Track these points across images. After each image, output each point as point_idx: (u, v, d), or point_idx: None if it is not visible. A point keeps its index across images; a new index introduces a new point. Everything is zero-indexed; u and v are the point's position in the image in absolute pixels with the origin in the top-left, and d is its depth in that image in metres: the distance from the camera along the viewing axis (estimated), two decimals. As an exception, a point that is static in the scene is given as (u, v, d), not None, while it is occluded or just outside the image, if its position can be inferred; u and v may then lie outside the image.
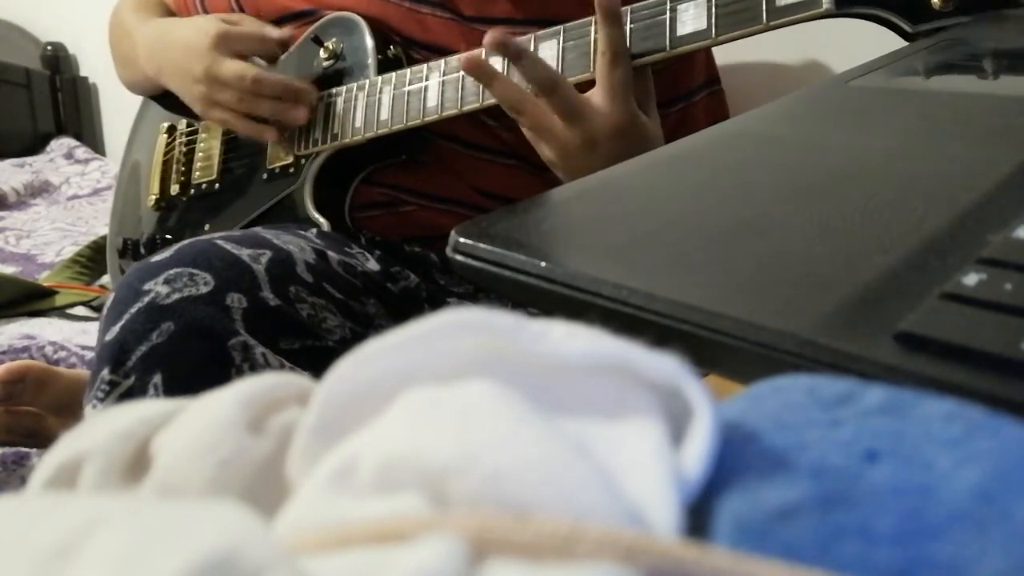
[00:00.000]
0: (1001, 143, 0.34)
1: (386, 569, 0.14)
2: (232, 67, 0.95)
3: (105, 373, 0.69)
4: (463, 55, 0.78)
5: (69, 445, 0.20)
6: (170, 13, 1.16)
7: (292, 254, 0.79)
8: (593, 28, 0.79)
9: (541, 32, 0.82)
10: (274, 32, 0.99)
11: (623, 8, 0.77)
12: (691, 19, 0.74)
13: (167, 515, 0.14)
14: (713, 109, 0.98)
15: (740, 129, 0.39)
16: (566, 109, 0.74)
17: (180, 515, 0.14)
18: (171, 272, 0.71)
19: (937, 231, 0.25)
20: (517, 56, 0.73)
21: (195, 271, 0.72)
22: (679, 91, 0.96)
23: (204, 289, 0.71)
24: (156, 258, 0.74)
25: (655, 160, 0.36)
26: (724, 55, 0.99)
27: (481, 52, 0.77)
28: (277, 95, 0.96)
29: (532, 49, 0.81)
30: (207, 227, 1.06)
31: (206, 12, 1.12)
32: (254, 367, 0.70)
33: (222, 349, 0.69)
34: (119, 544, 0.13)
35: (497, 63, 0.81)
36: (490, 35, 0.73)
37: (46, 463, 0.20)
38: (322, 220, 0.96)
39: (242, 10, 1.08)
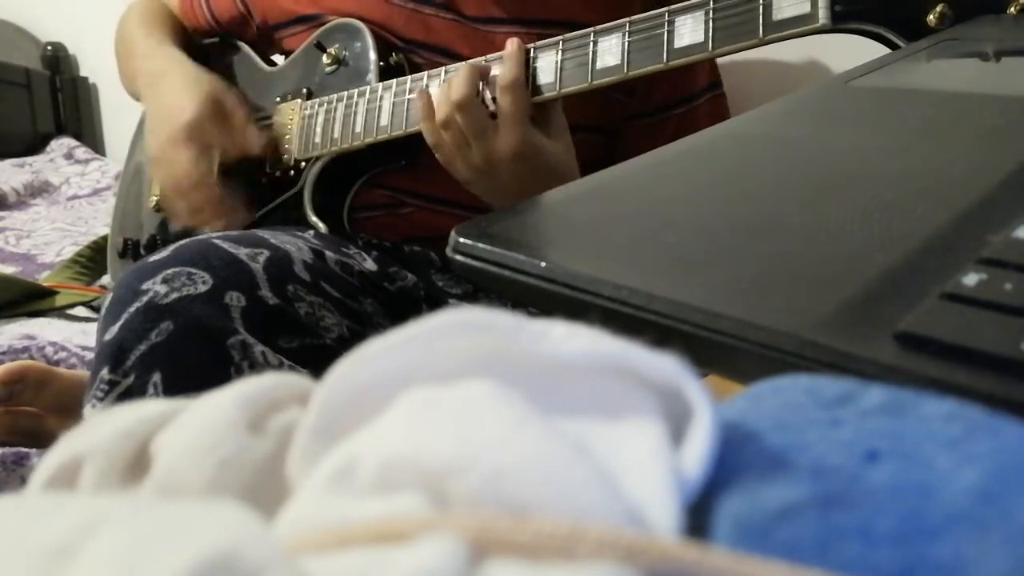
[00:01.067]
0: (1001, 143, 0.34)
1: (386, 569, 0.14)
2: (188, 157, 0.97)
3: (104, 372, 0.69)
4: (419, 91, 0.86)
5: (69, 445, 0.20)
6: (178, 21, 1.16)
7: (289, 253, 0.79)
8: (591, 39, 0.80)
9: (540, 43, 0.83)
10: (255, 144, 1.01)
11: (622, 20, 0.78)
12: (688, 32, 0.75)
13: (167, 515, 0.14)
14: (715, 113, 0.98)
15: (740, 129, 0.39)
16: (474, 127, 0.80)
17: (180, 515, 0.14)
18: (169, 271, 0.71)
19: (937, 231, 0.25)
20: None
21: (193, 270, 0.72)
22: (681, 93, 0.96)
23: (203, 288, 0.71)
24: (154, 257, 0.74)
25: (655, 160, 0.36)
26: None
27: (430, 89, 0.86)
28: (199, 206, 0.99)
29: (532, 58, 0.82)
30: (207, 229, 1.06)
31: (212, 16, 1.12)
32: (253, 366, 0.70)
33: (221, 348, 0.69)
34: (119, 544, 0.13)
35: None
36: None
37: (46, 463, 0.20)
38: (321, 224, 0.96)
39: (249, 14, 1.08)
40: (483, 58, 0.85)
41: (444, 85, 0.83)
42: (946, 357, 0.20)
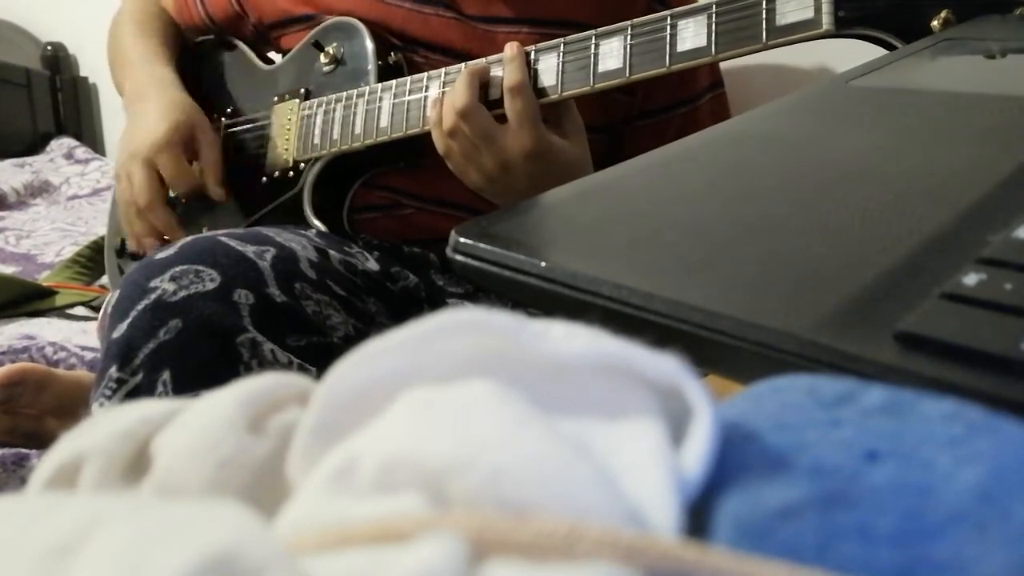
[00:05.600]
0: (1001, 143, 0.34)
1: (386, 569, 0.14)
2: (143, 179, 0.99)
3: (113, 371, 0.69)
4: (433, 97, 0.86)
5: (69, 445, 0.20)
6: (172, 21, 1.16)
7: (295, 251, 0.80)
8: (593, 42, 0.80)
9: (541, 45, 0.83)
10: (214, 187, 1.03)
11: (624, 23, 0.78)
12: (691, 36, 0.75)
13: (167, 515, 0.14)
14: (717, 112, 0.98)
15: (740, 129, 0.39)
16: (480, 133, 0.79)
17: (180, 515, 0.14)
18: (177, 269, 0.71)
19: (937, 231, 0.25)
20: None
21: (201, 268, 0.72)
22: (683, 94, 0.96)
23: (211, 286, 0.71)
24: (160, 255, 0.74)
25: (655, 160, 0.36)
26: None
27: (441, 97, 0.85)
28: (152, 229, 1.02)
29: (533, 60, 0.82)
30: (204, 229, 1.06)
31: (207, 15, 1.12)
32: (263, 363, 0.70)
33: (230, 345, 0.69)
34: (119, 544, 0.13)
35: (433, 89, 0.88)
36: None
37: (46, 463, 0.20)
38: (320, 225, 0.96)
39: (244, 13, 1.08)
40: (483, 60, 0.84)
41: (448, 92, 0.82)
42: (946, 357, 0.20)
